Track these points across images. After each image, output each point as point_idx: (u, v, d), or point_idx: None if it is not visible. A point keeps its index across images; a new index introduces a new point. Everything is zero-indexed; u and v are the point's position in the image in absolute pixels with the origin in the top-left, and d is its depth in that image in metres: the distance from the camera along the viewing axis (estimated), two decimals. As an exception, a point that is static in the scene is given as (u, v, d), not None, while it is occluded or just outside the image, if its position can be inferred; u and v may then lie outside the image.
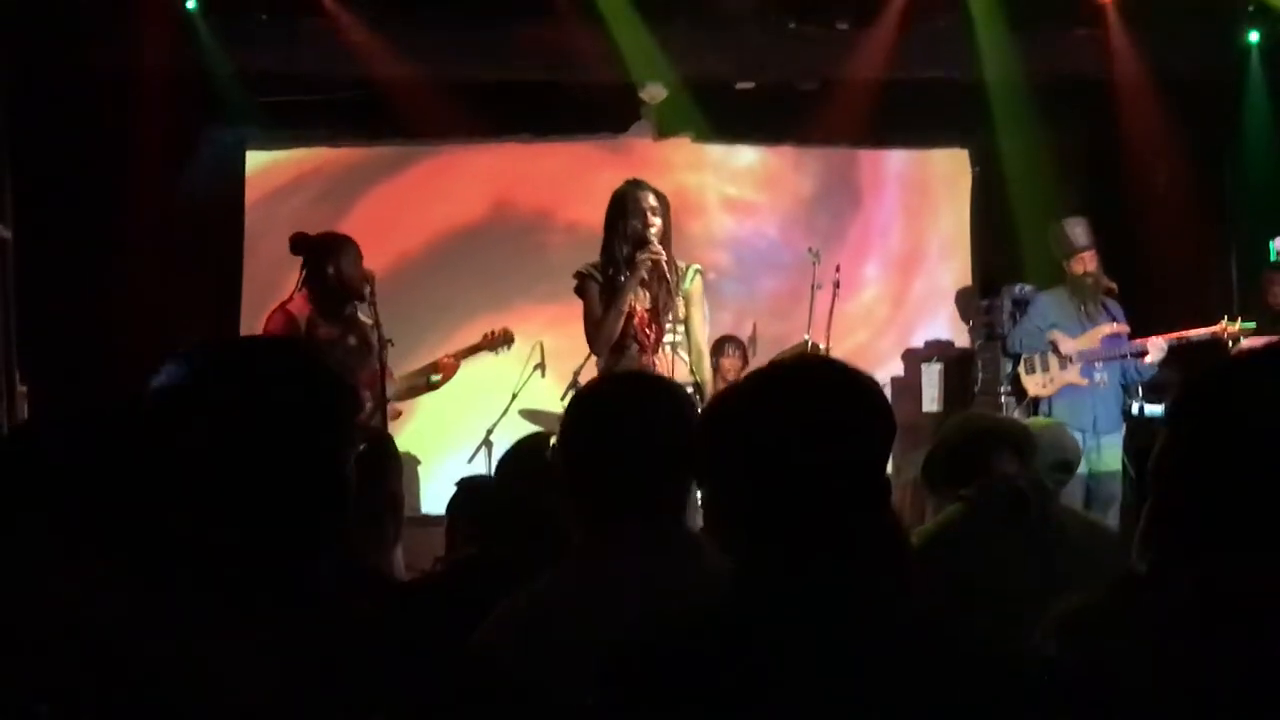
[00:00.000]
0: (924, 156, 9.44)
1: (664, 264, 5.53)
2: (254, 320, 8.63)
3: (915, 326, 9.36)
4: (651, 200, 5.62)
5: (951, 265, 9.33)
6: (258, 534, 1.61)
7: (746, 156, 9.13)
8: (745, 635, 1.73)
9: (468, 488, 3.73)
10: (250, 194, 8.89)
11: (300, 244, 6.34)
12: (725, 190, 8.83)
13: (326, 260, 6.22)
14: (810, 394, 1.81)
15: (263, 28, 8.20)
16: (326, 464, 1.68)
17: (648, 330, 5.60)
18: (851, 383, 1.84)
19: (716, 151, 8.93)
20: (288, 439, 1.64)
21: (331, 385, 1.71)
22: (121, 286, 8.01)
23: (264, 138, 8.85)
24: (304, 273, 6.26)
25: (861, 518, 1.76)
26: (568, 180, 8.88)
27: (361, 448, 3.30)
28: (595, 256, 5.74)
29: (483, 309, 8.47)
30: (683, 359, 5.67)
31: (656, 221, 5.57)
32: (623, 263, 5.58)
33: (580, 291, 5.70)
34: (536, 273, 8.75)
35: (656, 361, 5.57)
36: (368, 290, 6.16)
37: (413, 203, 8.63)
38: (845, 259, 7.74)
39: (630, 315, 5.60)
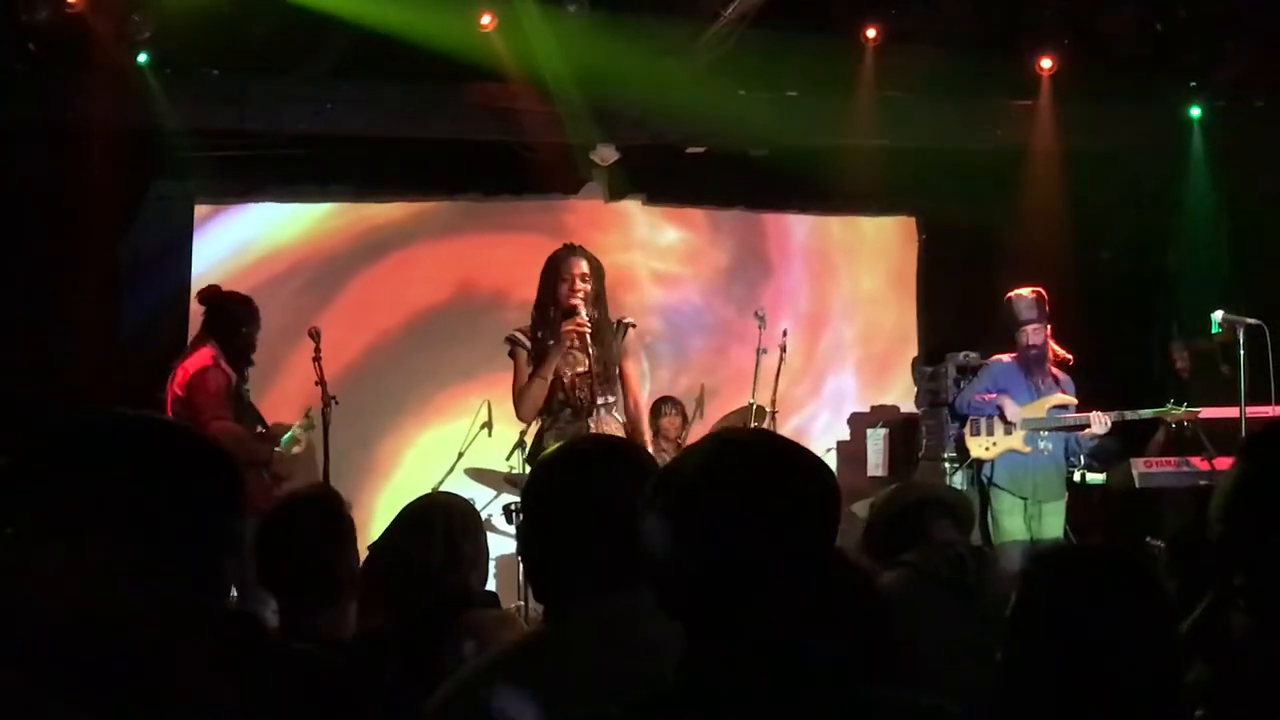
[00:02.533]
0: (822, 224, 10.05)
1: (589, 335, 5.50)
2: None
3: (825, 375, 9.97)
4: (583, 267, 5.59)
5: (853, 322, 10.06)
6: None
7: (669, 235, 9.78)
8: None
9: (372, 555, 3.43)
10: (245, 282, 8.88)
11: (214, 299, 6.32)
12: (653, 265, 9.69)
13: (241, 323, 6.31)
14: (765, 482, 1.75)
15: (213, 83, 8.18)
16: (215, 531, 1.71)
17: (580, 394, 5.58)
18: (807, 469, 1.79)
19: (643, 231, 9.54)
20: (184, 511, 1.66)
21: (221, 462, 1.76)
22: (63, 344, 7.88)
23: (212, 192, 8.80)
24: (214, 328, 6.29)
25: (808, 601, 1.72)
26: (520, 265, 9.36)
27: (316, 514, 3.21)
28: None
29: (451, 379, 9.06)
30: (616, 419, 5.62)
31: (584, 288, 5.53)
32: (551, 328, 5.56)
33: (511, 356, 5.73)
34: (496, 345, 9.01)
35: (590, 425, 5.52)
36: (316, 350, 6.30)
37: (390, 288, 9.22)
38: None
39: (562, 380, 5.58)
